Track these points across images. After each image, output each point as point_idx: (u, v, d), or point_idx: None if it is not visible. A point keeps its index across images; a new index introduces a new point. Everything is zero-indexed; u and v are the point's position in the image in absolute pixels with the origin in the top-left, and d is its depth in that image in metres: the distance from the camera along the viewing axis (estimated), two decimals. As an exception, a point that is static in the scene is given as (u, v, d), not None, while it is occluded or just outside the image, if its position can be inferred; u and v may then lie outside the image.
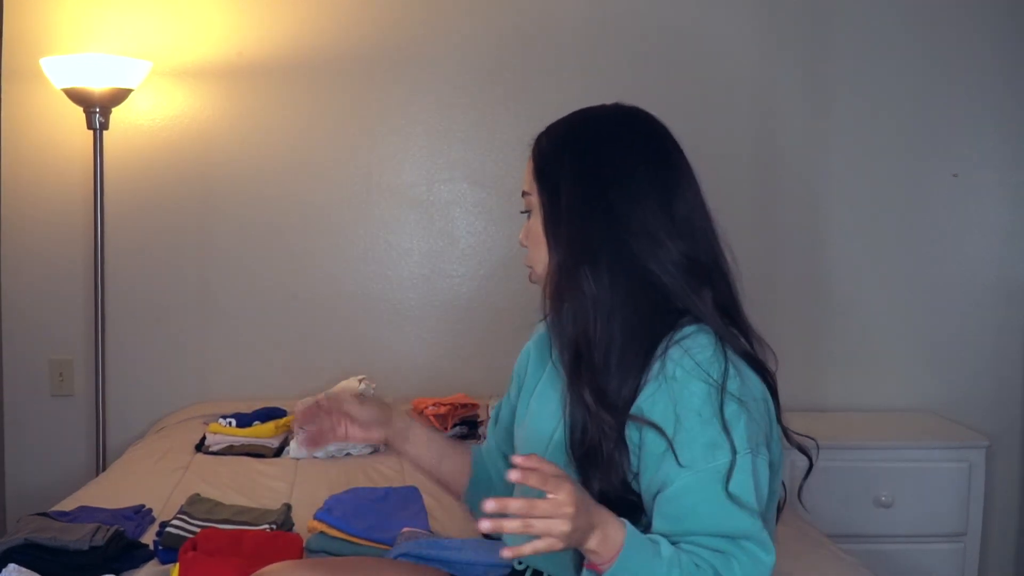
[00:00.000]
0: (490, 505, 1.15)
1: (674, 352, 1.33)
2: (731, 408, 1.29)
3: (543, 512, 1.16)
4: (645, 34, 3.23)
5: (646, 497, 1.33)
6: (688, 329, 1.35)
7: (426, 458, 1.67)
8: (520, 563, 1.57)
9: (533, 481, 1.15)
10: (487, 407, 2.93)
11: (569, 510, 1.16)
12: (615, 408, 1.34)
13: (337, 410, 1.59)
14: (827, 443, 2.91)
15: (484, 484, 1.67)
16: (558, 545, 1.17)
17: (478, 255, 3.27)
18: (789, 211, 3.29)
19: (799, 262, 3.30)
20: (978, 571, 2.99)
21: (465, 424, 2.80)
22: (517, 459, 1.19)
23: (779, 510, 1.50)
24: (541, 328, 1.63)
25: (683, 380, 1.31)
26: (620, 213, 1.39)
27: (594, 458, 1.35)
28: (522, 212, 1.51)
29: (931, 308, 3.30)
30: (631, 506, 1.32)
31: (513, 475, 1.15)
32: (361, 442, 1.68)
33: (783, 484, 1.50)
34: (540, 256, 1.46)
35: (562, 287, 1.41)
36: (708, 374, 1.30)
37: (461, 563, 1.67)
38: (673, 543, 1.25)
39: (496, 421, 1.72)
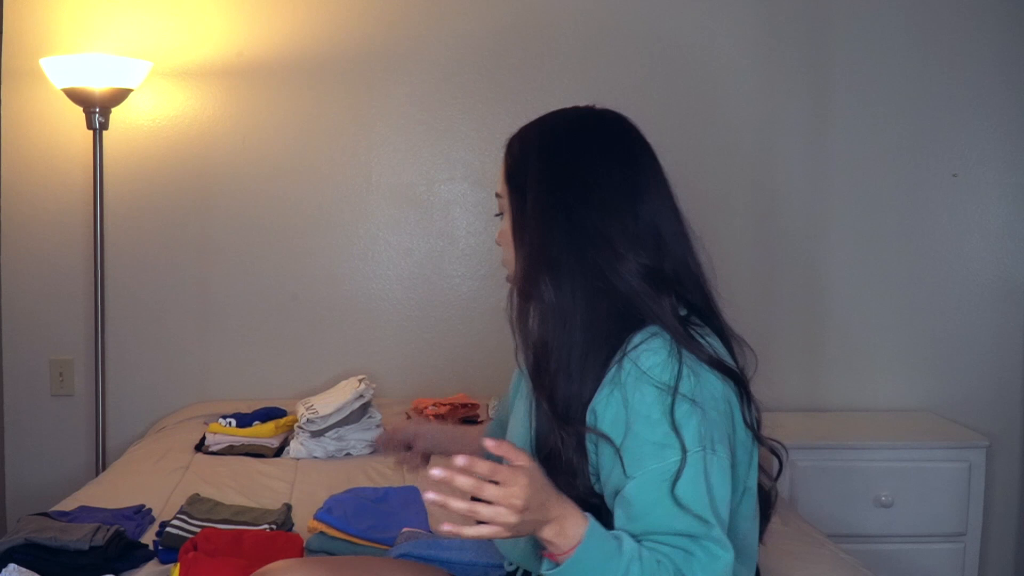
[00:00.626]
0: (436, 472, 1.16)
1: (628, 358, 1.33)
2: (683, 408, 1.28)
3: (491, 497, 1.16)
4: (646, 35, 3.23)
5: (607, 496, 1.33)
6: (643, 335, 1.34)
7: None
8: (511, 564, 1.57)
9: (480, 468, 1.16)
10: (487, 407, 2.93)
11: (517, 503, 1.16)
12: (573, 417, 1.34)
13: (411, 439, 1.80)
14: (827, 443, 2.95)
15: None
16: (504, 534, 1.18)
17: (478, 255, 3.27)
18: (789, 211, 3.29)
19: (799, 262, 3.30)
20: (978, 571, 2.99)
21: (465, 424, 2.80)
22: (488, 443, 1.19)
23: (769, 507, 1.50)
24: None
25: (633, 385, 1.31)
26: (582, 222, 1.38)
27: (555, 463, 1.35)
28: (496, 215, 1.52)
29: (931, 308, 3.30)
30: (593, 510, 1.31)
31: (460, 459, 1.15)
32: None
33: (774, 484, 1.51)
34: (511, 258, 1.47)
35: (525, 291, 1.41)
36: (658, 379, 1.30)
37: (461, 563, 1.67)
38: (637, 541, 1.26)
39: (498, 417, 1.74)
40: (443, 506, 1.17)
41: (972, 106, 3.26)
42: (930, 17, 3.24)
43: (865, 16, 3.24)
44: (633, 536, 1.26)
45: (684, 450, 1.27)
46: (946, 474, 2.94)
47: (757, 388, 1.42)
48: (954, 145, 3.27)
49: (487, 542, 1.67)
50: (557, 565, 1.22)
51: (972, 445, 2.98)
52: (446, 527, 1.17)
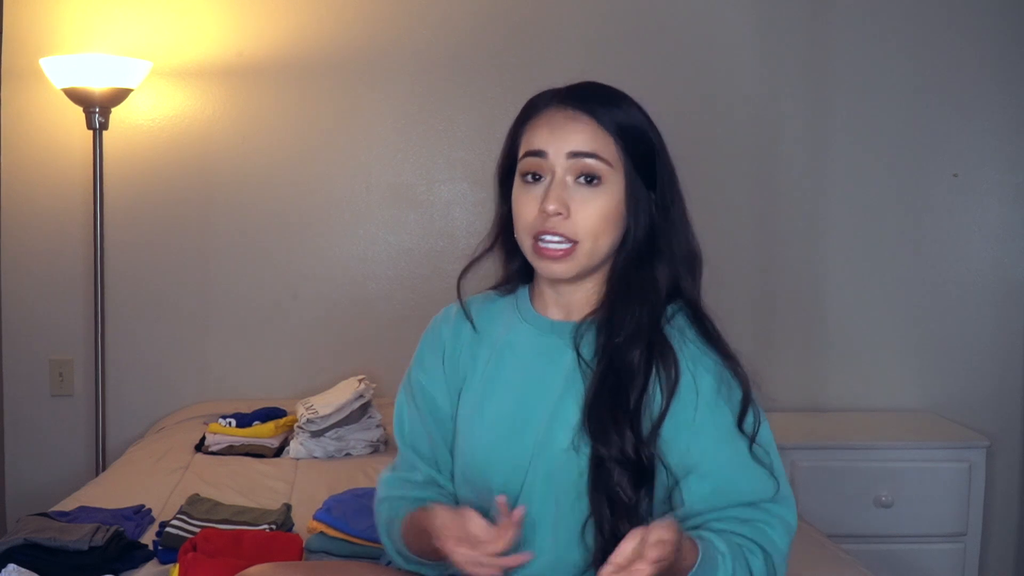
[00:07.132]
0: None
1: (683, 351, 1.34)
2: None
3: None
4: (647, 33, 3.23)
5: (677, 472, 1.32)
6: (674, 315, 1.37)
7: None
8: None
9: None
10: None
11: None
12: (650, 463, 1.30)
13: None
14: (827, 443, 2.95)
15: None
16: None
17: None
18: (789, 210, 3.29)
19: (799, 261, 3.30)
20: (978, 571, 2.99)
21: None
22: (630, 542, 1.15)
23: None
24: (494, 302, 1.57)
25: (698, 357, 1.33)
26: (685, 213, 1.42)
27: (613, 501, 1.30)
28: (585, 179, 1.37)
29: (931, 308, 3.30)
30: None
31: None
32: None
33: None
34: (600, 239, 1.36)
35: (631, 283, 1.37)
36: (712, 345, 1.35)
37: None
38: (701, 523, 1.28)
39: (423, 441, 1.55)
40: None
41: (972, 106, 3.26)
42: (930, 17, 3.24)
43: (865, 16, 3.24)
44: (705, 515, 1.29)
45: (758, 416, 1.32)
46: (946, 474, 2.94)
47: (757, 388, 1.43)
48: (954, 145, 3.27)
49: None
50: None
51: (972, 445, 2.98)
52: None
